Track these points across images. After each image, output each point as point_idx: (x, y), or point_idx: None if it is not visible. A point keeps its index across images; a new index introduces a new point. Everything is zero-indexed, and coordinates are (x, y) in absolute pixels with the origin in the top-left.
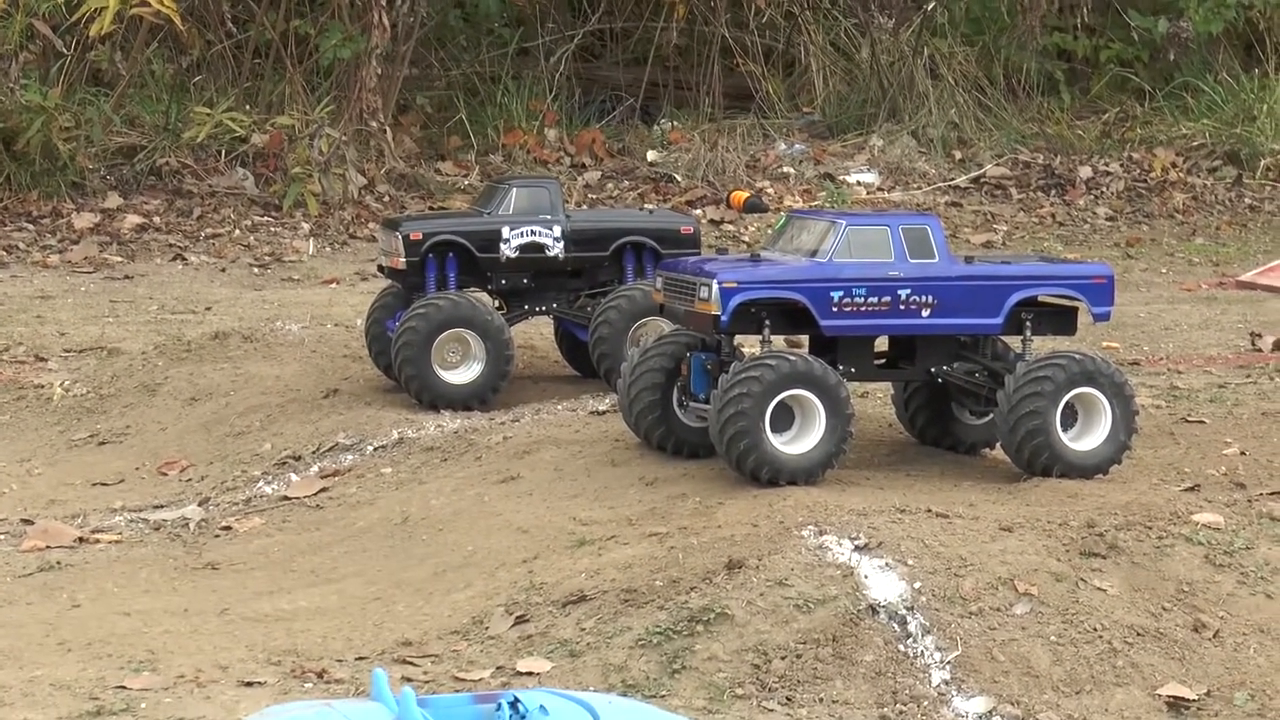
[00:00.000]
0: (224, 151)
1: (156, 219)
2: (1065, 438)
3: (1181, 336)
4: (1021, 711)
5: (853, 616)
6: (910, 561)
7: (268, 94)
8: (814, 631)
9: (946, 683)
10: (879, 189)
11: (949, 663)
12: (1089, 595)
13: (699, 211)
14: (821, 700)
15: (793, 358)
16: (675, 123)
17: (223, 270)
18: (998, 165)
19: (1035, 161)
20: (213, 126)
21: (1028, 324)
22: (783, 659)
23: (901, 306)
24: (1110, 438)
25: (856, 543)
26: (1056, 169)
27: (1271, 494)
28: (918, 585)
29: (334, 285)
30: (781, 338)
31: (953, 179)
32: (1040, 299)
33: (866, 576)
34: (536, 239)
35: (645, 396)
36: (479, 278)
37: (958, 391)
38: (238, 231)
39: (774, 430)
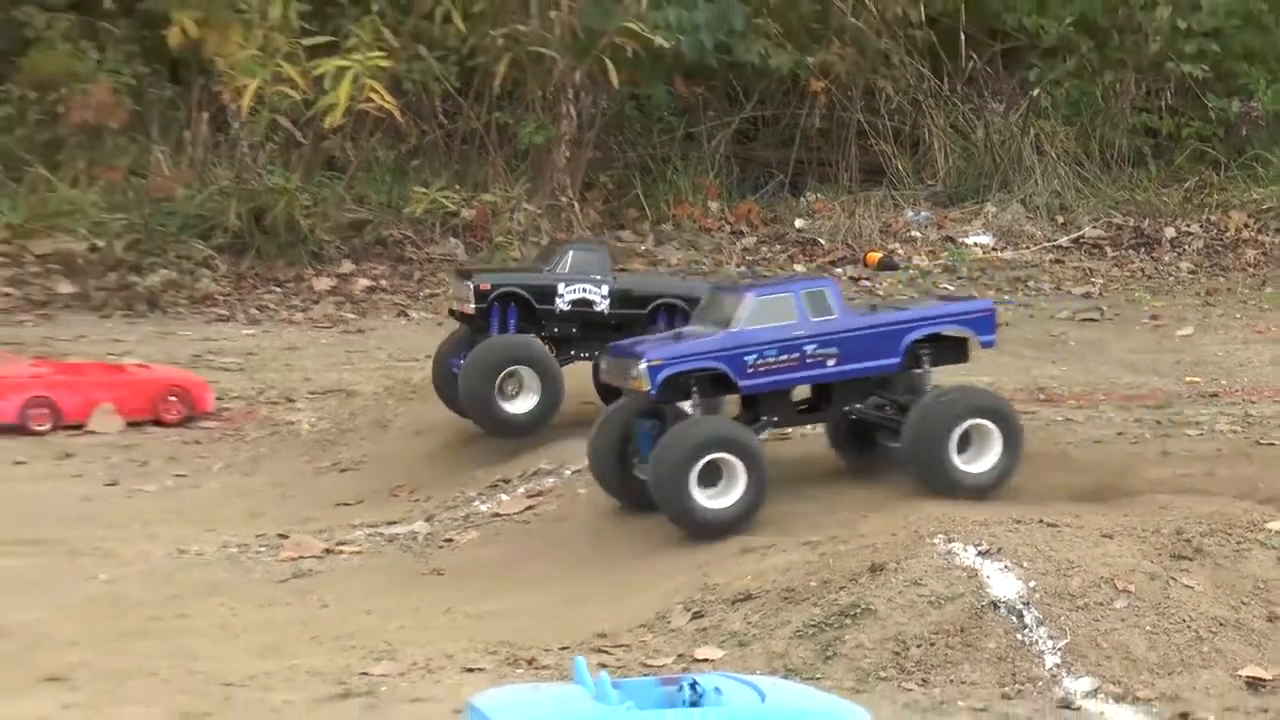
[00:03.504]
0: (438, 224)
1: (383, 282)
2: (959, 461)
3: (1254, 372)
4: (1121, 690)
5: (977, 611)
6: (1025, 564)
7: (474, 175)
8: (944, 623)
9: (1058, 666)
10: (993, 249)
11: (1060, 649)
12: (1178, 591)
13: (840, 270)
14: (952, 681)
15: (715, 422)
16: (818, 195)
17: (439, 324)
18: (1094, 227)
19: (1126, 224)
20: (428, 203)
21: (925, 359)
22: (918, 647)
23: (809, 360)
24: (1001, 462)
25: (979, 548)
26: (1145, 230)
27: None
28: (1032, 584)
29: None
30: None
31: (1056, 240)
32: (935, 335)
33: (988, 577)
34: (586, 295)
35: (605, 456)
36: (536, 325)
37: (871, 425)
38: (451, 291)
39: (701, 486)
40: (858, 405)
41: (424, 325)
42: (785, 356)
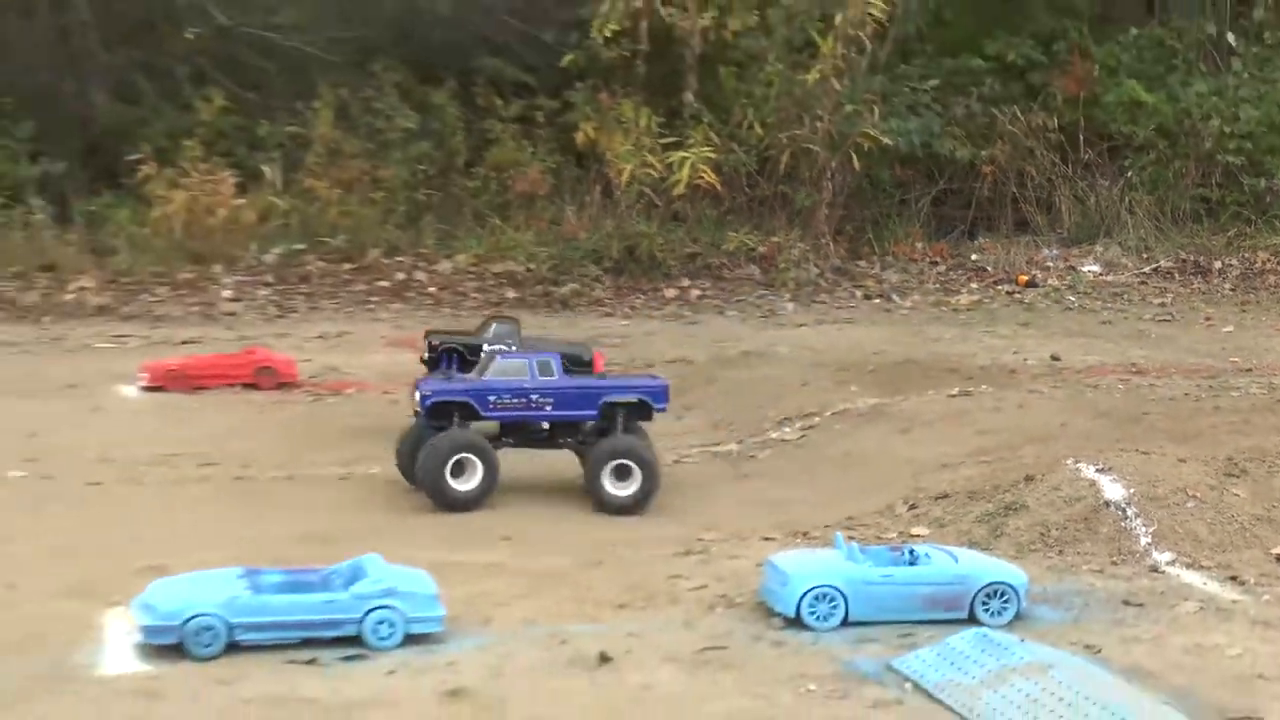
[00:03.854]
0: (743, 256)
1: (710, 292)
2: (610, 486)
3: (1276, 355)
4: (1190, 560)
5: (1095, 508)
6: (1127, 477)
7: (766, 224)
8: (1073, 515)
9: (1148, 544)
10: (1100, 274)
11: (1149, 533)
12: (1229, 497)
13: (1003, 286)
14: (1079, 553)
15: (462, 433)
16: (986, 238)
17: (743, 320)
18: (1166, 261)
19: (1188, 259)
20: (737, 242)
21: (619, 415)
22: (1056, 530)
23: (532, 405)
24: (639, 491)
25: (1097, 466)
26: (1200, 263)
27: None
28: (1131, 491)
29: (803, 327)
30: None
31: (1141, 269)
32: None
33: (1103, 486)
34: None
35: (403, 454)
36: (468, 369)
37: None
38: (753, 297)
39: (453, 476)
40: (569, 439)
41: (734, 320)
42: (515, 400)
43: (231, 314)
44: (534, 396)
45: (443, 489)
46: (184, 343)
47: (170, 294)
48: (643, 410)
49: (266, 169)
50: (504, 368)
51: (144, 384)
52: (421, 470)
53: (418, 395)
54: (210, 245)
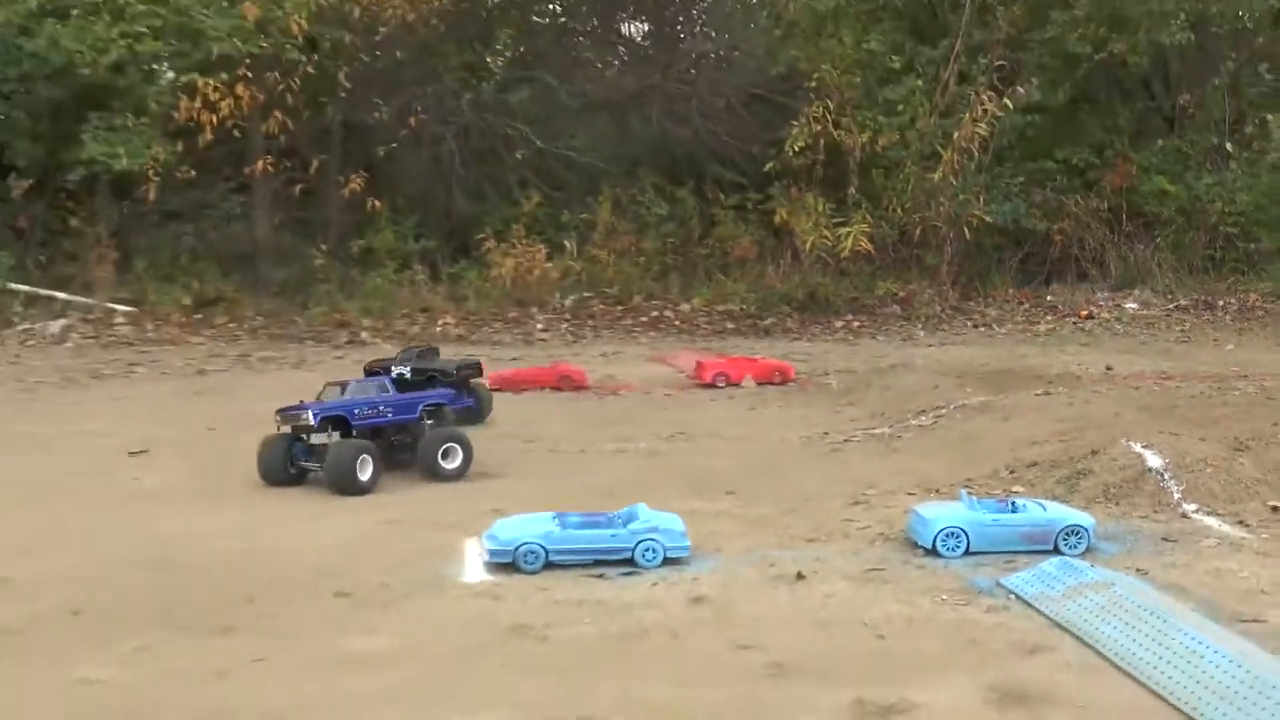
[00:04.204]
0: (889, 298)
1: (866, 324)
2: (442, 462)
3: (1266, 366)
4: (1209, 509)
5: (1141, 471)
6: (1164, 451)
7: (905, 276)
8: (1126, 479)
9: (1179, 499)
10: (1139, 310)
11: (1180, 491)
12: (1236, 466)
13: (1069, 319)
14: (1134, 505)
15: (360, 442)
16: (1057, 285)
17: (889, 343)
18: (1185, 300)
19: (1200, 299)
20: (885, 289)
21: (428, 418)
22: (1114, 489)
23: (381, 414)
24: (462, 464)
25: (1142, 444)
26: (1209, 301)
27: None
28: (1167, 460)
29: (931, 347)
30: None
31: (1167, 306)
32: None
33: (1147, 456)
34: (402, 372)
35: (272, 461)
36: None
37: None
38: (896, 326)
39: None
40: (398, 439)
41: (885, 343)
42: (370, 410)
43: (543, 340)
44: (381, 407)
45: (353, 481)
46: (511, 359)
47: (502, 327)
48: (441, 411)
49: (566, 243)
50: (357, 389)
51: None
52: (335, 468)
53: (309, 413)
54: (528, 294)
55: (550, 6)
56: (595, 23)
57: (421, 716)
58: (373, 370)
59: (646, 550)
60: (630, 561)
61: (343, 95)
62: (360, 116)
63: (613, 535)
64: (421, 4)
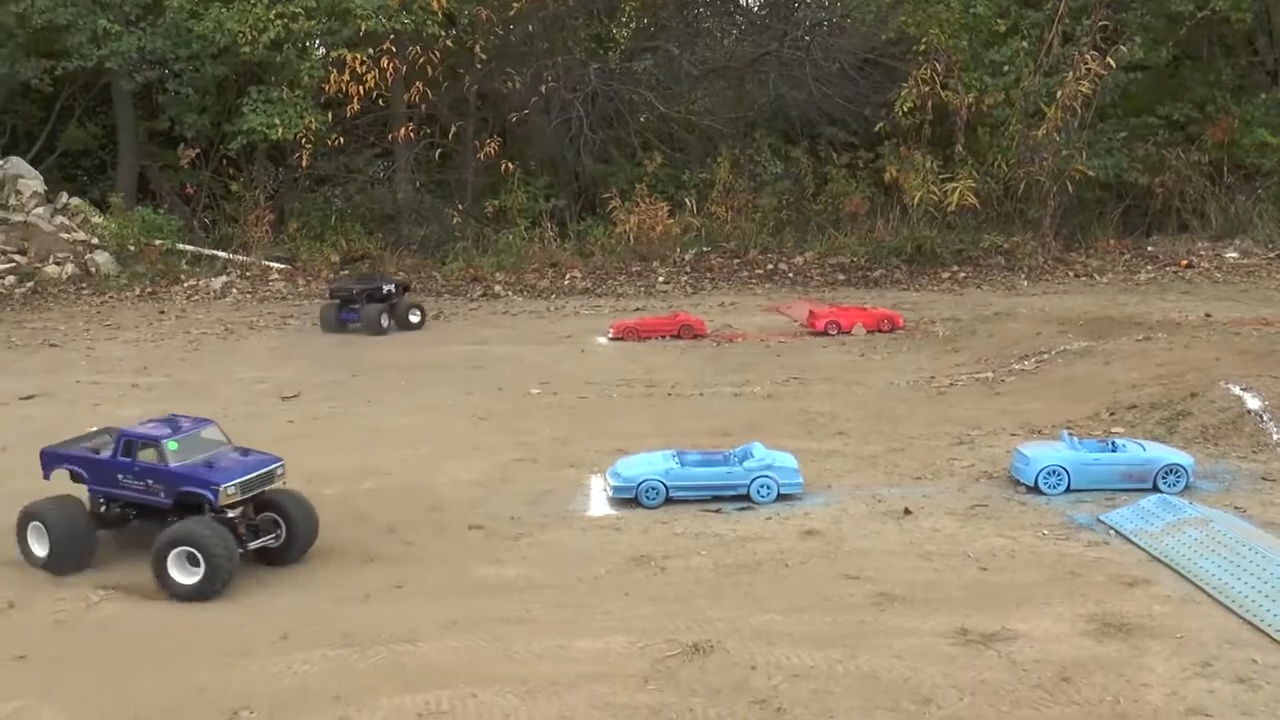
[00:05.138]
0: (994, 250)
1: (972, 275)
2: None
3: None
4: None
5: (1240, 414)
6: (1263, 393)
7: (1010, 229)
8: (1225, 420)
9: (1277, 440)
10: (1238, 260)
11: (1279, 432)
12: None
13: (1170, 268)
14: (1232, 445)
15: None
16: (1158, 236)
17: (994, 292)
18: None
19: None
20: (990, 242)
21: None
22: (1211, 431)
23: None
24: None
25: (1241, 385)
26: None
27: None
28: (1266, 402)
29: (1034, 296)
30: None
31: (1268, 255)
32: None
33: (1246, 398)
34: (385, 288)
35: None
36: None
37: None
38: (1000, 277)
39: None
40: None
41: (990, 292)
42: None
43: (665, 292)
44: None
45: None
46: (635, 310)
47: (626, 280)
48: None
49: (686, 201)
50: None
51: (611, 336)
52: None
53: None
54: (651, 249)
55: None
56: None
57: (547, 639)
58: (337, 288)
59: (761, 486)
60: (746, 497)
61: (479, 66)
62: (495, 86)
63: (729, 472)
64: None
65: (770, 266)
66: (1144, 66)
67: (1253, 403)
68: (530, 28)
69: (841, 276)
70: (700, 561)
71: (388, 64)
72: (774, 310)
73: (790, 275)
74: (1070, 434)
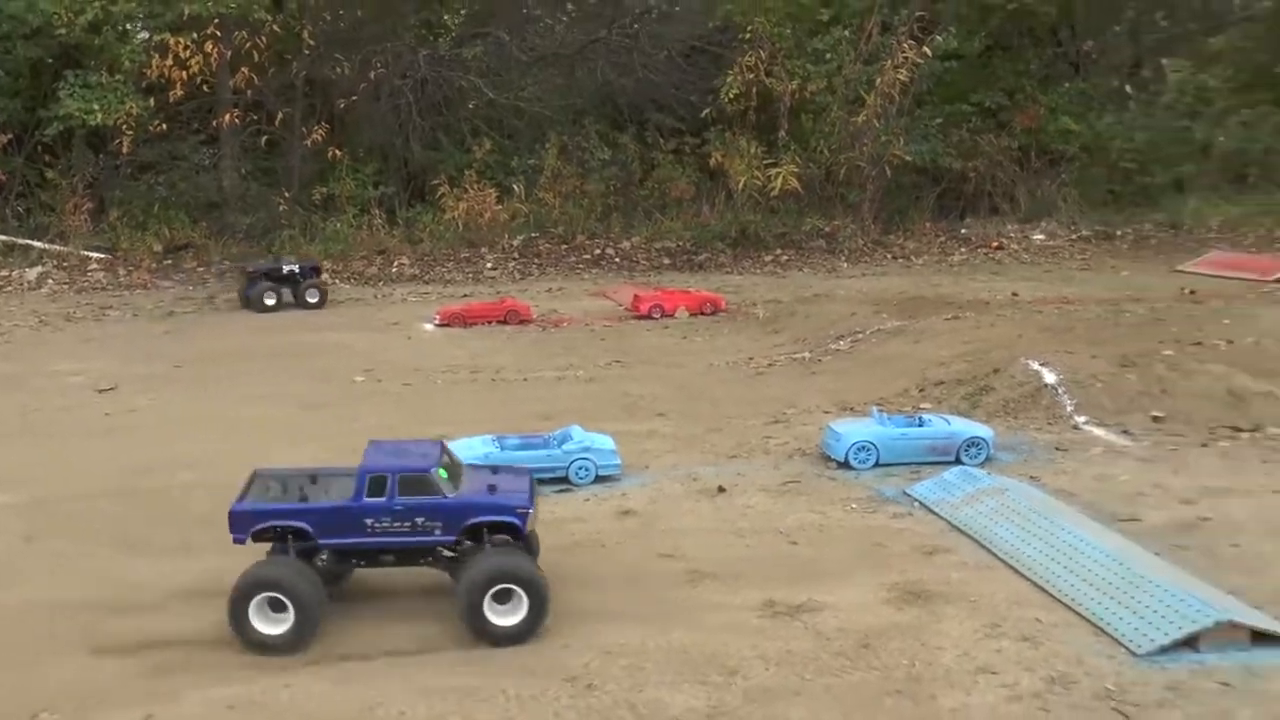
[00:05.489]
0: (815, 233)
1: (794, 257)
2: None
3: (1157, 290)
4: (1098, 421)
5: (1038, 388)
6: (1059, 368)
7: (830, 212)
8: (1024, 394)
9: (1071, 411)
10: (1044, 242)
11: (1073, 404)
12: (1123, 380)
13: (981, 250)
14: (1030, 418)
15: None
16: (971, 219)
17: (815, 274)
18: (1087, 231)
19: (1100, 230)
20: (811, 225)
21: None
22: (1012, 405)
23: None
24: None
25: (1039, 361)
26: (1108, 232)
27: None
28: (1061, 377)
29: (853, 278)
30: None
31: (1071, 237)
32: None
33: (1044, 373)
34: (290, 267)
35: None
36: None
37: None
38: (821, 259)
39: None
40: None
41: (811, 275)
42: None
43: (493, 278)
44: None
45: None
46: (463, 296)
47: (454, 266)
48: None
49: (515, 187)
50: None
51: (438, 322)
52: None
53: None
54: (479, 235)
55: None
56: None
57: (364, 625)
58: (248, 270)
59: (580, 468)
60: (565, 480)
61: (307, 52)
62: (323, 72)
63: (548, 455)
64: None
65: (598, 251)
66: (958, 56)
67: (1049, 377)
68: (359, 13)
69: (667, 260)
70: None
71: (213, 48)
72: (600, 295)
73: (617, 260)
74: (880, 410)
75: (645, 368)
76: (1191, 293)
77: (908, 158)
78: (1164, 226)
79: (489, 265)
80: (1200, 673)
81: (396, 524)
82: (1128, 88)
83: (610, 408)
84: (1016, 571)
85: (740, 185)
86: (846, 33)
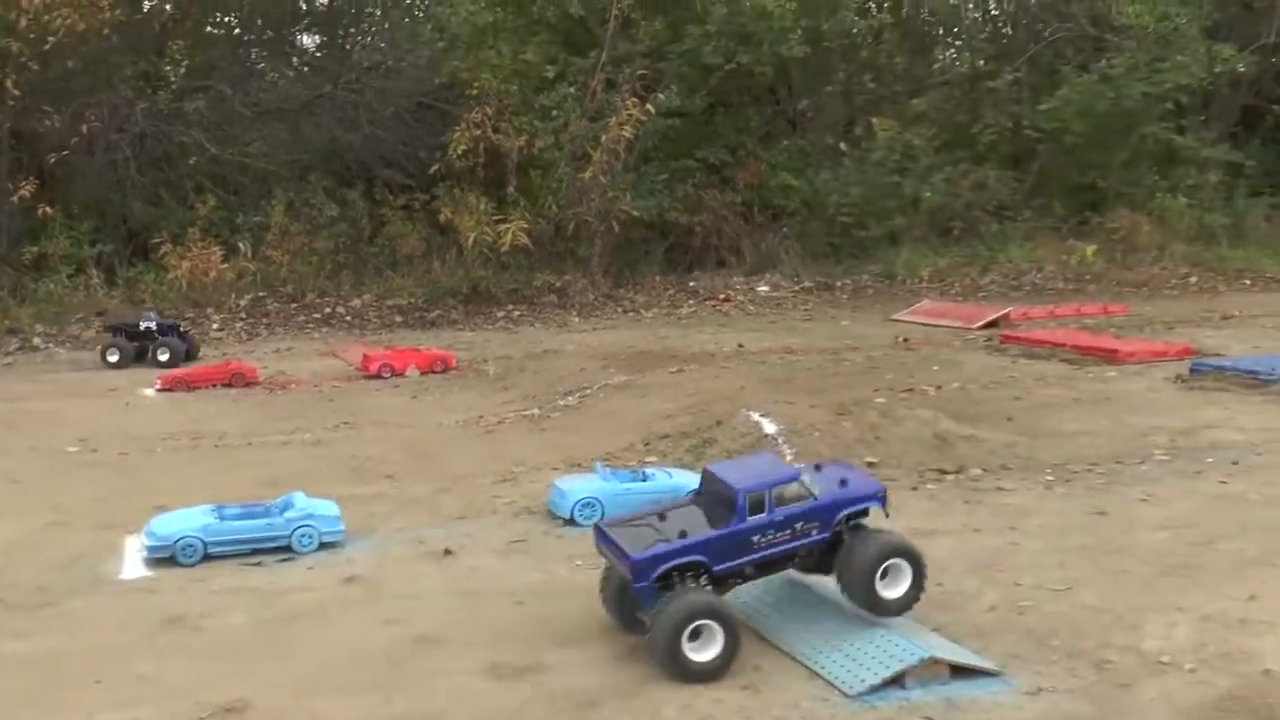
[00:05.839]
0: (547, 289)
1: (525, 313)
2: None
3: (874, 339)
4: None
5: (759, 438)
6: (778, 418)
7: (561, 268)
8: (746, 444)
9: (791, 459)
10: (769, 293)
11: (793, 453)
12: (840, 429)
13: (710, 303)
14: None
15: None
16: (699, 272)
17: (546, 330)
18: (809, 283)
19: (822, 281)
20: (542, 281)
21: None
22: (734, 455)
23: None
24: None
25: (760, 413)
26: (829, 283)
27: None
28: (781, 426)
29: (584, 333)
30: None
31: (794, 288)
32: None
33: (764, 423)
34: (149, 326)
35: None
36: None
37: None
38: (553, 315)
39: None
40: None
41: (543, 330)
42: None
43: (219, 339)
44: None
45: None
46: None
47: None
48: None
49: (241, 245)
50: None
51: (159, 387)
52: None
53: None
54: (205, 295)
55: (224, 18)
56: (269, 34)
57: (70, 713)
58: (112, 327)
59: (303, 536)
60: (288, 548)
61: (11, 104)
62: (30, 124)
63: (269, 524)
64: (93, 15)
65: (328, 310)
66: (682, 113)
67: (769, 427)
68: (70, 63)
69: (399, 318)
70: (237, 619)
71: None
72: (330, 355)
73: (348, 318)
74: (604, 466)
75: (375, 429)
76: (905, 341)
77: (635, 213)
78: (880, 277)
79: (215, 326)
80: (907, 708)
81: (779, 535)
82: (842, 145)
83: (338, 471)
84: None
85: (470, 241)
86: (572, 89)
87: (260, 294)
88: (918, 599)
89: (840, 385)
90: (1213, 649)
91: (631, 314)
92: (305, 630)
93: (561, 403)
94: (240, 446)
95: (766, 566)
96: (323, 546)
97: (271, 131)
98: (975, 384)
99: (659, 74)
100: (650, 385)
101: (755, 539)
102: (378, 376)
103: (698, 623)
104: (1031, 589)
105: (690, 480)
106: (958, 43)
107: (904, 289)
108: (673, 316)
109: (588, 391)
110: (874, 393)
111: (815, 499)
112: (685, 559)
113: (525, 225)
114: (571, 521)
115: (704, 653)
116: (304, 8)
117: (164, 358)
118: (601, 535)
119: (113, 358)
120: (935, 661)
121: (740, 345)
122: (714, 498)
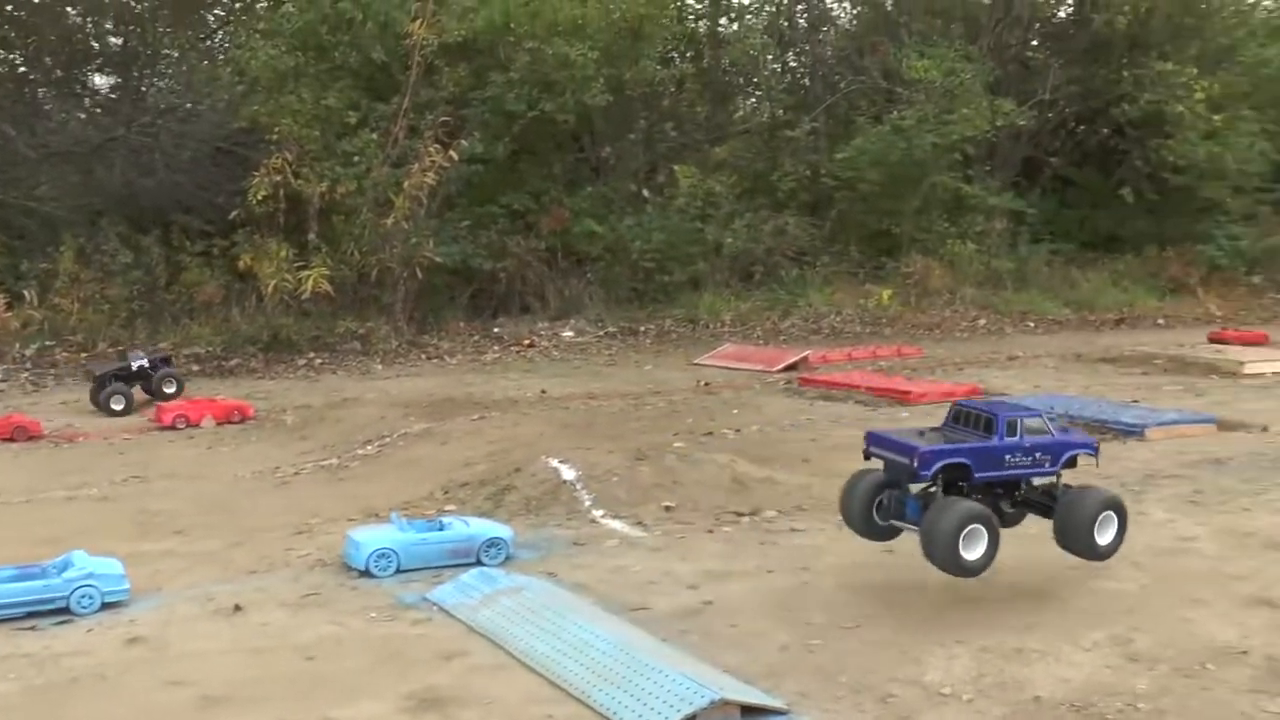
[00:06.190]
0: (350, 335)
1: (328, 361)
2: None
3: (674, 383)
4: (614, 514)
5: (558, 484)
6: (577, 464)
7: (364, 314)
8: (544, 491)
9: (589, 506)
10: (574, 338)
11: (590, 499)
12: (637, 473)
13: (514, 348)
14: (551, 515)
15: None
16: (504, 318)
17: (348, 377)
18: (613, 328)
19: (626, 326)
20: (345, 328)
21: None
22: (533, 503)
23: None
24: None
25: (559, 459)
26: (633, 328)
27: None
28: (580, 472)
29: (387, 380)
30: None
31: (599, 333)
32: None
33: (562, 470)
34: (140, 363)
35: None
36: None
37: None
38: (355, 362)
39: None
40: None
41: (345, 378)
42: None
43: (1, 391)
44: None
45: None
46: None
47: None
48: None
49: (26, 293)
50: None
51: None
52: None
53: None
54: None
55: (10, 56)
56: (59, 74)
57: None
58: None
59: (83, 597)
60: (68, 609)
61: None
62: None
63: (46, 585)
64: None
65: None
66: (485, 160)
67: (568, 474)
68: None
69: (197, 367)
70: (6, 687)
71: None
72: None
73: None
74: (401, 515)
75: (166, 482)
76: (706, 385)
77: (439, 259)
78: (683, 322)
79: None
80: None
81: (1023, 459)
82: (644, 192)
83: (124, 527)
84: (531, 669)
85: (271, 288)
86: (375, 135)
87: (47, 343)
88: (1120, 545)
89: (641, 430)
90: (989, 679)
91: (435, 360)
92: (82, 696)
93: (360, 452)
94: (19, 504)
95: (1007, 491)
96: (105, 607)
97: (60, 174)
98: (774, 426)
99: (462, 121)
100: (451, 433)
101: (1006, 457)
102: (171, 427)
103: (971, 526)
104: (823, 627)
105: (489, 529)
106: (758, 93)
107: (707, 333)
108: (477, 363)
109: (387, 440)
110: (674, 437)
111: (1053, 435)
112: (959, 459)
113: (327, 272)
114: (366, 573)
115: (973, 552)
116: (96, 47)
117: (170, 390)
118: (875, 438)
119: (118, 406)
120: (726, 702)
121: (543, 391)
122: (963, 428)
